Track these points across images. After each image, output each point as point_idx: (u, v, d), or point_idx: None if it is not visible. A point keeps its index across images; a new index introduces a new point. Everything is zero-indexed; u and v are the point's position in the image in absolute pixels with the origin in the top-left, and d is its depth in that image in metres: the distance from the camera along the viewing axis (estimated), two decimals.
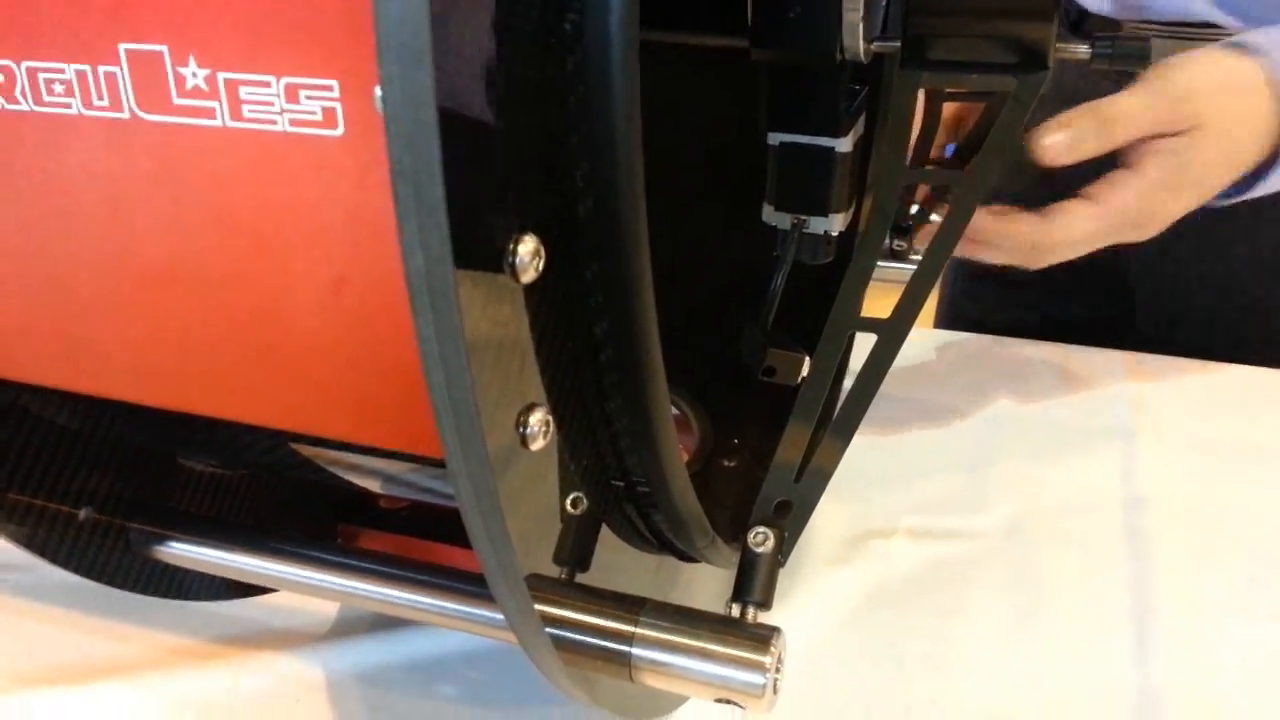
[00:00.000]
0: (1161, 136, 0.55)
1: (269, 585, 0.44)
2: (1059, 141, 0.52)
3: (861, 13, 0.44)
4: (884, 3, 0.47)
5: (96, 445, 0.44)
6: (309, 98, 0.25)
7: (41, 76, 0.27)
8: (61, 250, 0.29)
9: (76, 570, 0.44)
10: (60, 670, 0.52)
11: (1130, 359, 0.78)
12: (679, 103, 0.63)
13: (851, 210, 0.53)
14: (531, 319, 0.27)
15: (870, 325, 0.41)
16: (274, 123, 0.25)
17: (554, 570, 0.39)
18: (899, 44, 0.45)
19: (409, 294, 0.23)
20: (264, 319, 0.27)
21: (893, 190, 0.43)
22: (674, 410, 0.67)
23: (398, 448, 0.28)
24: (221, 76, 0.25)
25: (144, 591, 0.47)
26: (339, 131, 0.25)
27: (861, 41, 0.45)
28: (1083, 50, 0.43)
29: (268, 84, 0.25)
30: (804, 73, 0.48)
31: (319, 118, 0.25)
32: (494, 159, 0.25)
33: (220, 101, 0.25)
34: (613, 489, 0.37)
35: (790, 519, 0.39)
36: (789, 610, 0.57)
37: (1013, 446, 0.70)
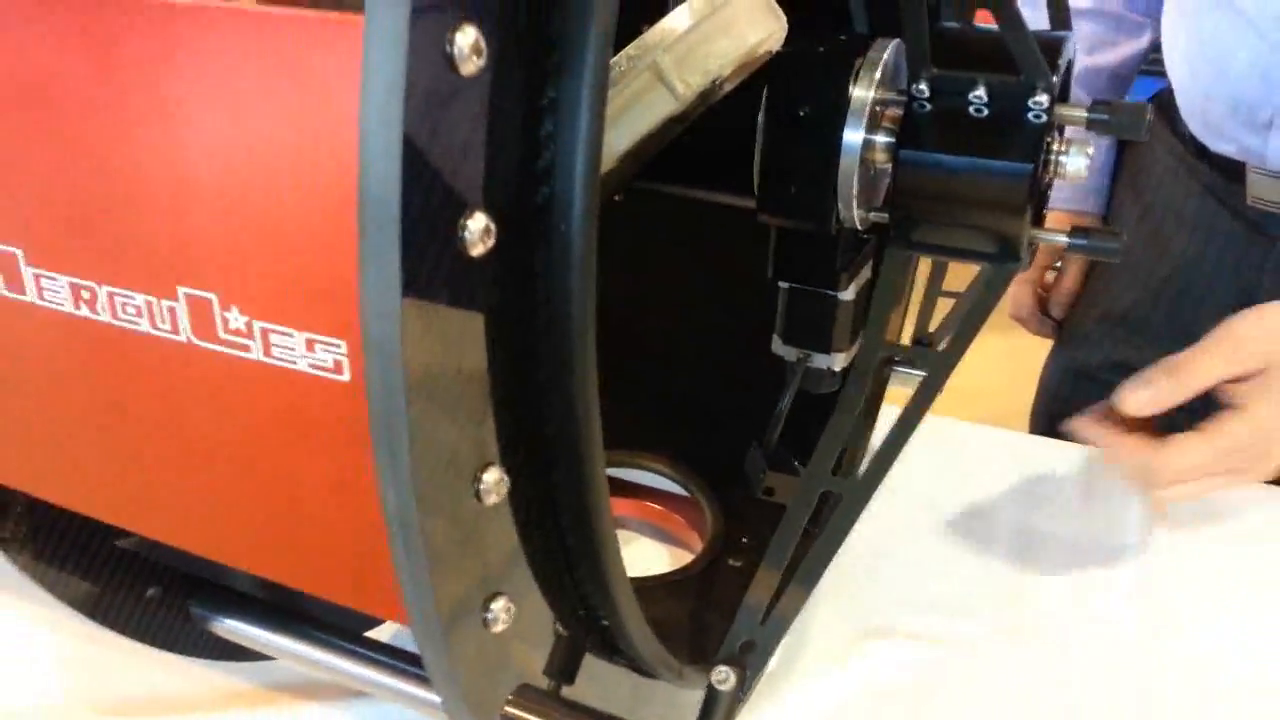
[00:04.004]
0: (1243, 379, 0.60)
1: (303, 666, 0.50)
2: (1143, 397, 0.59)
3: (857, 189, 0.48)
4: (886, 176, 0.51)
5: None
6: (323, 350, 0.31)
7: (118, 299, 0.33)
8: (131, 432, 0.35)
9: (138, 638, 0.51)
10: (129, 703, 0.59)
11: None
12: (721, 236, 0.68)
13: (854, 348, 0.58)
14: (500, 530, 0.33)
15: (840, 486, 0.46)
16: (295, 364, 0.31)
17: (543, 681, 0.44)
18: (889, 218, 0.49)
19: (385, 523, 0.29)
20: (280, 505, 0.34)
21: (872, 362, 0.47)
22: (686, 494, 0.72)
23: (384, 617, 0.34)
24: (257, 325, 0.31)
25: (199, 655, 0.54)
26: (345, 378, 0.31)
27: (857, 211, 0.49)
28: (1079, 114, 0.45)
29: (291, 335, 0.31)
30: (805, 235, 0.52)
31: (330, 365, 0.31)
32: (467, 406, 0.30)
33: (255, 341, 0.32)
34: (589, 632, 0.42)
35: (752, 658, 0.44)
36: (781, 709, 0.61)
37: (1021, 550, 0.73)
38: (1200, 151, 0.88)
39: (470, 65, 0.26)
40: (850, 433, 0.47)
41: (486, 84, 0.27)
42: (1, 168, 0.33)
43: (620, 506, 0.72)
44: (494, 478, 0.31)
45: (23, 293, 0.34)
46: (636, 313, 0.67)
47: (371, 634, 0.51)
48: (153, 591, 0.50)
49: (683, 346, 0.72)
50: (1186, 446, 0.60)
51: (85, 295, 0.34)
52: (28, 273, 0.34)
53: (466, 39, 0.25)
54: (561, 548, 0.36)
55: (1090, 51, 0.99)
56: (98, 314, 0.34)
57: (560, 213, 0.30)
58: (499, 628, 0.33)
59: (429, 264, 0.27)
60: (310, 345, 0.31)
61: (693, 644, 0.55)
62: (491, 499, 0.31)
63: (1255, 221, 0.86)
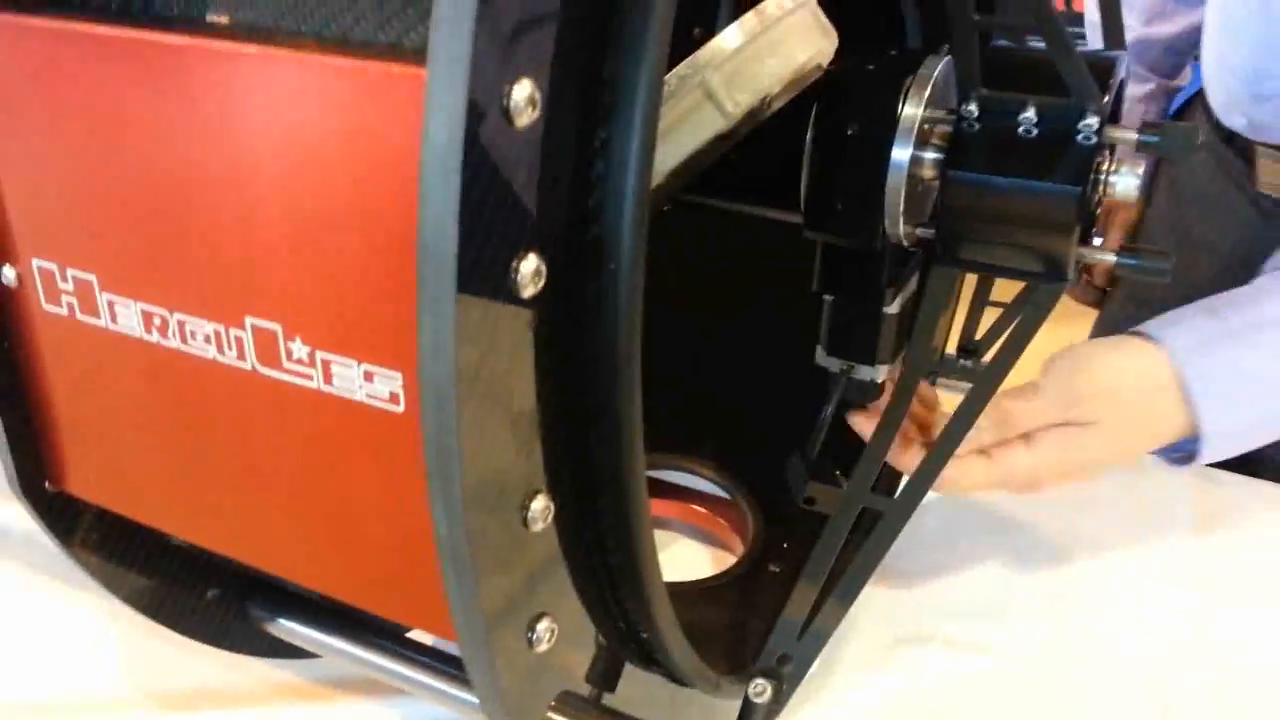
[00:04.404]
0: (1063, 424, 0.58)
1: (353, 665, 0.52)
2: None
3: (903, 206, 0.49)
4: (933, 193, 0.52)
5: None
6: (381, 381, 0.32)
7: (188, 326, 0.35)
8: (195, 452, 0.37)
9: (197, 638, 0.53)
10: (185, 696, 0.62)
11: (1200, 482, 0.77)
12: (768, 245, 0.68)
13: (898, 360, 0.58)
14: (545, 553, 0.34)
15: (879, 504, 0.46)
16: (354, 394, 0.32)
17: (584, 688, 0.46)
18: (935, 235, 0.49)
19: (437, 550, 0.30)
20: (335, 526, 0.35)
21: (916, 378, 0.47)
22: (729, 497, 0.73)
23: (432, 633, 0.35)
24: (319, 355, 0.33)
25: (253, 653, 0.56)
26: (401, 408, 0.32)
27: (903, 228, 0.49)
28: (1130, 135, 0.45)
29: (351, 366, 0.32)
30: (851, 249, 0.52)
31: (386, 396, 0.32)
32: (517, 438, 0.31)
33: (317, 370, 0.33)
34: (628, 644, 0.43)
35: (788, 672, 0.45)
36: (817, 715, 0.61)
37: (1062, 553, 0.72)
38: (1228, 137, 0.88)
39: (525, 117, 0.26)
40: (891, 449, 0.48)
41: (540, 133, 0.28)
42: (81, 197, 0.35)
43: (664, 508, 0.73)
44: (541, 505, 0.32)
45: (97, 317, 0.36)
46: (685, 318, 0.68)
47: (415, 635, 0.53)
48: (212, 593, 0.52)
49: (730, 353, 0.72)
50: (969, 471, 0.57)
51: (156, 322, 0.35)
52: (103, 299, 0.35)
53: (523, 91, 0.26)
54: (604, 567, 0.37)
55: (1147, 21, 0.98)
56: (167, 340, 0.35)
57: (609, 252, 0.30)
58: (543, 648, 0.34)
59: (482, 305, 0.28)
60: (368, 376, 0.32)
61: (730, 650, 0.56)
62: (538, 526, 0.32)
63: (1268, 211, 0.85)
